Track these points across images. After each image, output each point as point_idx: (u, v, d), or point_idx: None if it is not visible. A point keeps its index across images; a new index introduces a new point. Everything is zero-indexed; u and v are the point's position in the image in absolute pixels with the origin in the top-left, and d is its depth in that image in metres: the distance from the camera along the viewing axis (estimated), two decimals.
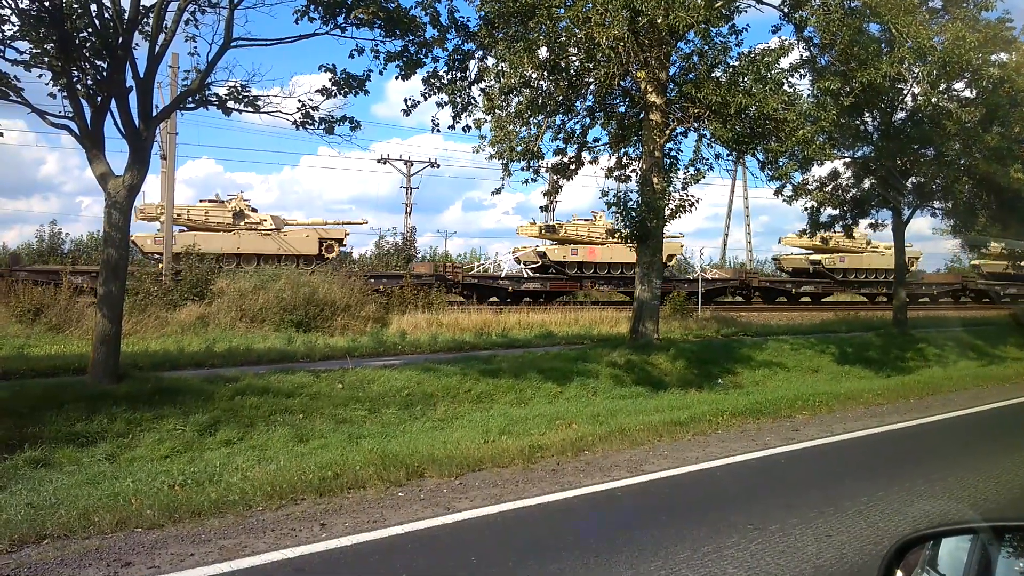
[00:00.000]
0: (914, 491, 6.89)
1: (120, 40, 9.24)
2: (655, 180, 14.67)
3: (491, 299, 30.01)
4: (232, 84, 10.25)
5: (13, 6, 8.78)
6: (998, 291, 42.98)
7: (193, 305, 17.98)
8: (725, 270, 40.99)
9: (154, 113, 9.92)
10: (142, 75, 9.58)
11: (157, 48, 9.63)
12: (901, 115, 19.72)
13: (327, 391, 10.23)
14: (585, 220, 36.14)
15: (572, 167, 16.45)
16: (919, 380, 14.87)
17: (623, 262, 33.72)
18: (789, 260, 41.45)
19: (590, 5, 12.58)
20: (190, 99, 10.27)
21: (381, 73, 11.72)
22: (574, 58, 14.24)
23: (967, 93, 18.19)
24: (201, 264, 20.93)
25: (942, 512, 6.34)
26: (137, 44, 9.63)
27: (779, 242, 41.01)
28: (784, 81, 13.88)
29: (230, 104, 10.22)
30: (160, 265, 24.06)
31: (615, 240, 32.94)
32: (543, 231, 35.13)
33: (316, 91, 10.67)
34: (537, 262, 34.34)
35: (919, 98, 17.45)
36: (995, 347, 20.49)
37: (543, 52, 13.48)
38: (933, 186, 20.88)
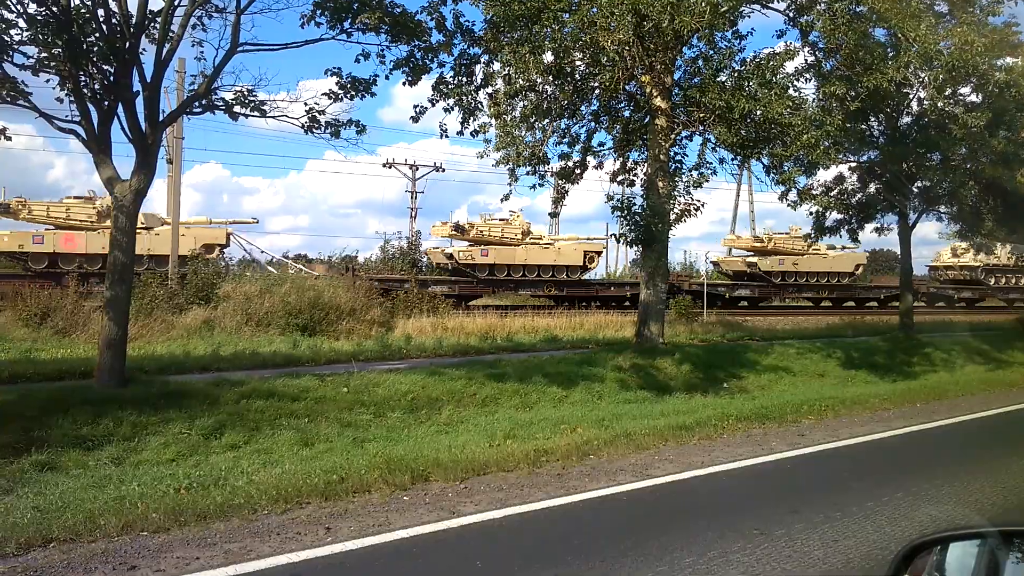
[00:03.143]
0: (921, 496, 6.86)
1: (127, 45, 9.28)
2: (660, 184, 14.66)
3: None
4: (239, 89, 10.29)
5: (21, 11, 8.83)
6: (740, 295, 36.15)
7: (199, 309, 18.01)
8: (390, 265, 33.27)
9: (161, 118, 9.97)
10: (149, 80, 9.63)
11: (164, 53, 9.68)
12: (907, 120, 19.67)
13: (332, 395, 10.24)
14: (76, 198, 27.68)
15: (577, 171, 16.45)
16: (926, 385, 14.82)
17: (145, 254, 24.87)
18: (435, 254, 34.00)
19: (595, 9, 12.60)
20: (196, 104, 10.31)
21: (387, 78, 11.77)
22: (579, 62, 14.26)
23: (973, 98, 18.14)
24: (207, 268, 20.98)
25: (949, 517, 6.31)
26: (144, 49, 9.69)
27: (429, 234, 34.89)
28: (789, 85, 13.86)
29: (237, 109, 10.26)
30: (167, 268, 24.12)
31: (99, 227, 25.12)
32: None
33: (322, 95, 10.71)
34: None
35: (925, 103, 17.44)
36: (1002, 352, 20.41)
37: (548, 56, 13.50)
38: (939, 190, 20.81)
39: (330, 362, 13.20)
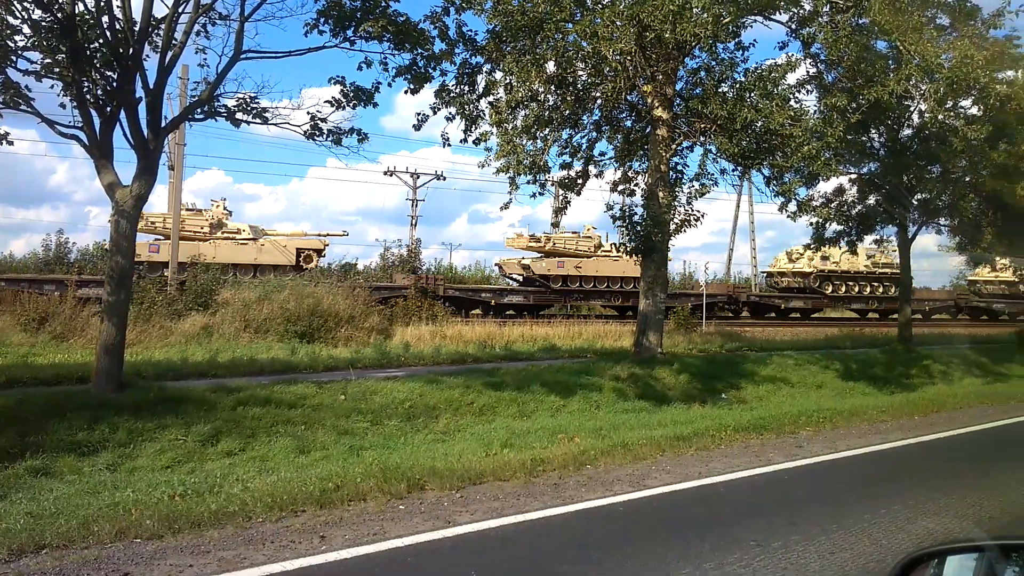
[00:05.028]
0: (918, 508, 6.84)
1: (130, 51, 9.30)
2: (661, 194, 14.68)
3: None
4: (241, 96, 10.31)
5: (25, 17, 8.86)
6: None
7: (197, 315, 18.00)
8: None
9: (163, 124, 9.99)
10: (152, 86, 9.64)
11: (167, 59, 9.69)
12: (907, 132, 19.72)
13: (329, 402, 10.22)
14: None
15: (579, 181, 16.48)
16: (924, 397, 14.80)
17: None
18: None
19: (598, 20, 12.66)
20: (199, 110, 10.32)
21: (390, 86, 11.79)
22: (581, 72, 14.30)
23: (974, 110, 18.18)
24: (206, 274, 20.98)
25: (946, 530, 6.29)
26: (147, 55, 9.71)
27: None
28: (791, 97, 13.91)
29: (239, 116, 10.27)
30: (166, 274, 24.13)
31: None
32: None
33: (324, 102, 10.74)
34: None
35: (926, 115, 17.46)
36: (1000, 365, 20.39)
37: (550, 66, 13.54)
38: (939, 203, 20.88)
39: (328, 369, 13.19)
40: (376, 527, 5.90)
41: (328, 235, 32.70)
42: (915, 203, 20.99)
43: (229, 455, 8.06)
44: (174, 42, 9.71)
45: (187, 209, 28.83)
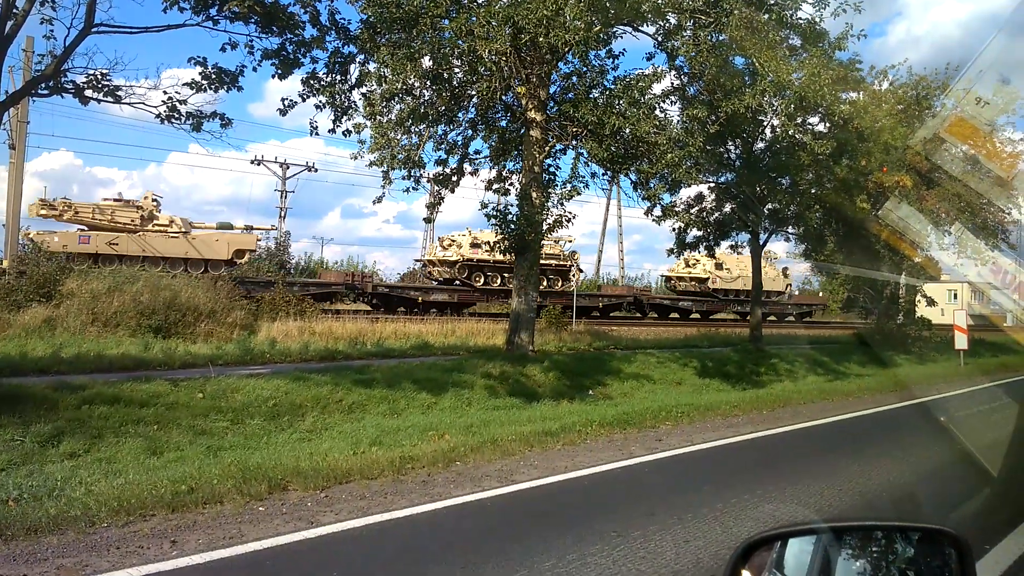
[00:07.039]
0: (765, 497, 7.27)
1: None
2: (534, 195, 14.90)
3: None
4: (92, 72, 9.63)
5: None
6: None
7: (39, 307, 16.62)
8: None
9: (1, 98, 9.16)
10: None
11: (7, 29, 8.90)
12: (761, 145, 20.96)
13: (186, 401, 9.71)
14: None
15: (454, 178, 16.47)
16: (772, 393, 15.75)
17: None
18: None
19: (474, 19, 12.68)
20: (43, 85, 9.55)
21: (255, 70, 11.32)
22: (457, 70, 14.30)
23: (820, 127, 19.60)
24: (49, 262, 19.38)
25: (791, 516, 6.71)
26: None
27: None
28: (656, 106, 14.49)
29: (88, 93, 9.61)
30: (4, 262, 22.11)
31: None
32: None
33: (184, 84, 10.19)
34: None
35: (777, 130, 18.65)
36: (840, 364, 22.04)
37: (426, 61, 13.44)
38: (788, 212, 22.33)
39: (186, 366, 12.53)
40: (233, 530, 5.65)
41: None
42: (766, 212, 22.37)
43: (72, 457, 7.52)
44: (15, 11, 8.92)
45: None
